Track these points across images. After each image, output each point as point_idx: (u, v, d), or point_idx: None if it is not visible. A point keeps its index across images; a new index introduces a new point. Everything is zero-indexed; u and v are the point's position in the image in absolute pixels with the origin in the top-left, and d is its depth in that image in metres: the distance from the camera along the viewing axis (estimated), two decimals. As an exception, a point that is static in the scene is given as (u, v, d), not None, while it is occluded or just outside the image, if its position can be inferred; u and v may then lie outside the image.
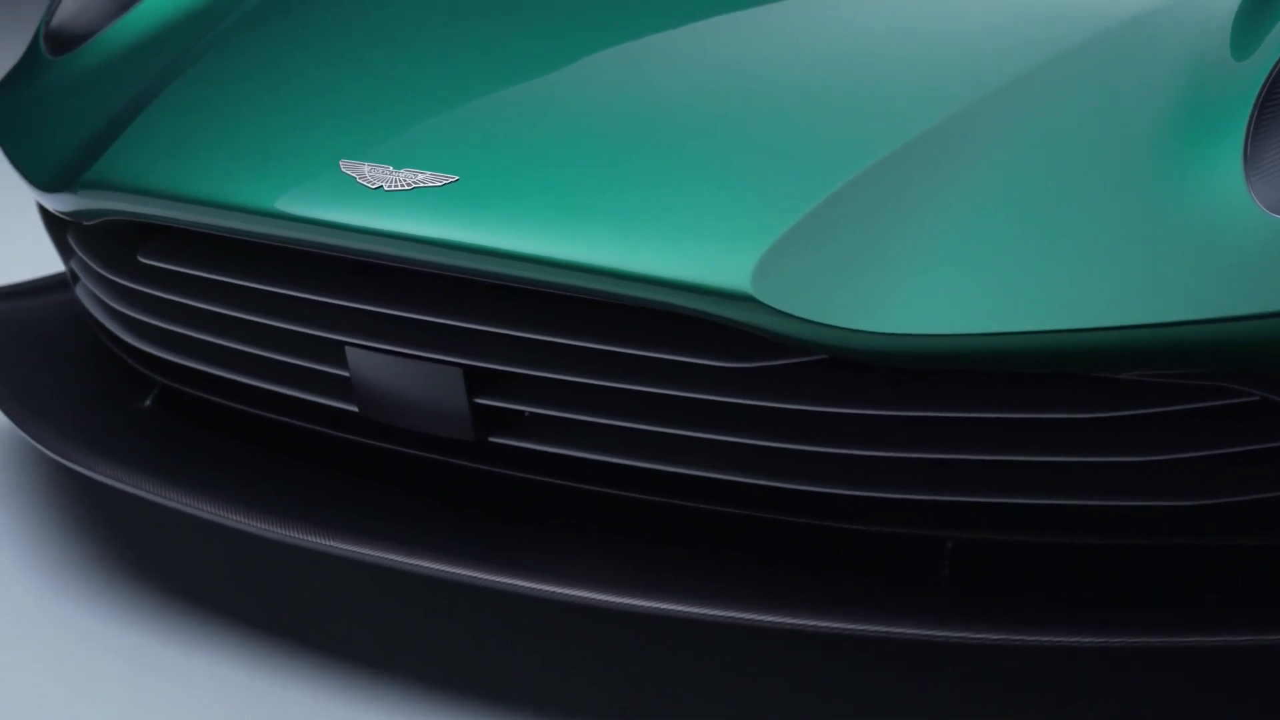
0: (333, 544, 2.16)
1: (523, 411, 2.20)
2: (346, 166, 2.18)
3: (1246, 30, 2.04)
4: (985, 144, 1.98)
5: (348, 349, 2.21)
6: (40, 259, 3.90)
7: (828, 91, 2.10)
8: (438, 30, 2.41)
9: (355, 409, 2.27)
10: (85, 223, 2.45)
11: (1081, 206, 1.90)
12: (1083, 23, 2.12)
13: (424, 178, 2.13)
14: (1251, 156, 1.88)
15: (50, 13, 2.89)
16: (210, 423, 2.49)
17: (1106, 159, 1.94)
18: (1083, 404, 1.92)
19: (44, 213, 2.85)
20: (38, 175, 2.53)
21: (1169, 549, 2.02)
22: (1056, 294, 1.84)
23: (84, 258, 2.54)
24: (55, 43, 2.82)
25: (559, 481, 2.21)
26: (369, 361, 2.20)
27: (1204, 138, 1.93)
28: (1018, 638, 1.92)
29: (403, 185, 2.13)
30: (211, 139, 2.33)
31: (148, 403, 2.57)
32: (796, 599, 2.00)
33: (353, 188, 2.15)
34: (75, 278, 2.74)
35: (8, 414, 2.59)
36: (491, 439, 2.18)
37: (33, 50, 2.85)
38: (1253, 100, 1.93)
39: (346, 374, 2.25)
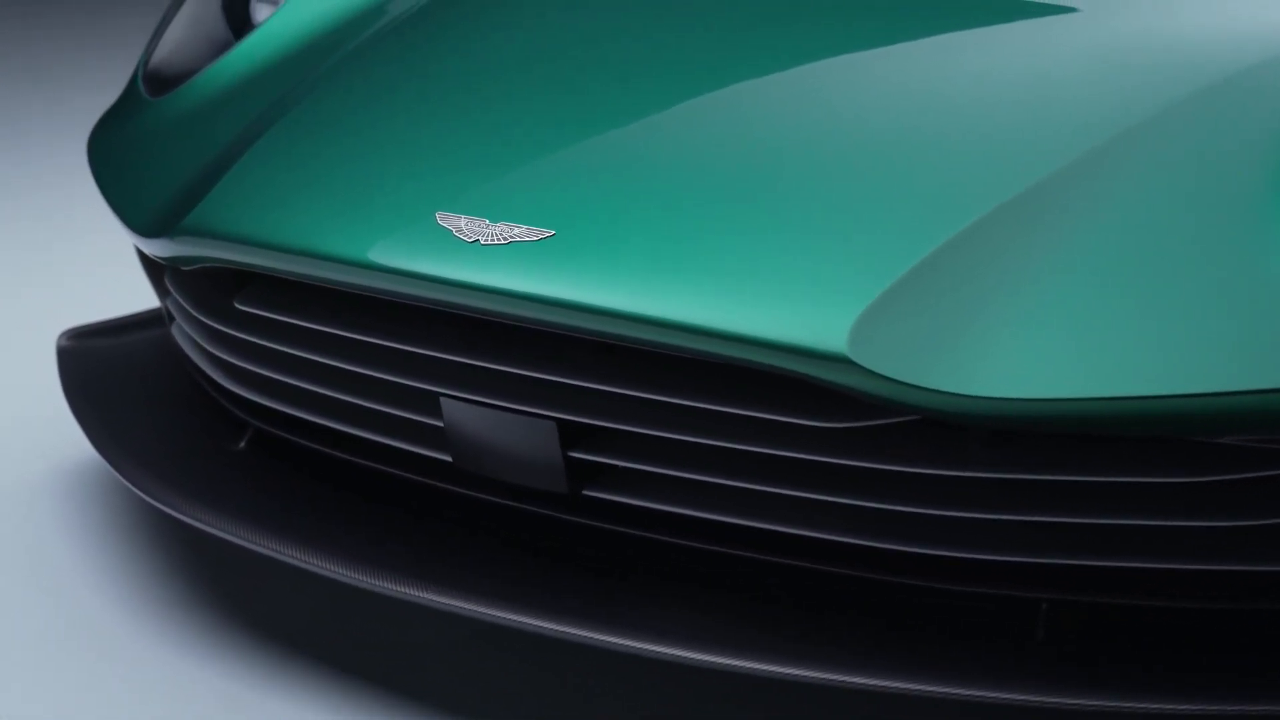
0: (423, 596, 2.16)
1: (616, 465, 2.20)
2: (443, 219, 2.19)
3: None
4: (1083, 205, 1.97)
5: (442, 400, 2.22)
6: (136, 291, 3.93)
7: (925, 150, 2.09)
8: (534, 82, 2.42)
9: (449, 459, 2.28)
10: (182, 268, 2.46)
11: (1181, 269, 1.88)
12: (1182, 81, 2.10)
13: (520, 232, 2.13)
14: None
15: (149, 52, 2.91)
16: (304, 467, 2.50)
17: (1206, 221, 1.92)
18: (1180, 468, 1.90)
19: (140, 252, 2.87)
20: (135, 219, 2.55)
21: (1272, 614, 2.00)
22: (1155, 358, 1.83)
23: (180, 301, 2.55)
24: (154, 83, 2.84)
25: (651, 535, 2.21)
26: (463, 413, 2.21)
27: (1306, 198, 1.91)
28: (1113, 704, 1.90)
29: (499, 239, 2.13)
30: (308, 188, 2.34)
31: (242, 445, 2.58)
32: (887, 660, 1.99)
33: (449, 241, 2.16)
34: (171, 316, 2.76)
35: (103, 455, 2.60)
36: (584, 492, 2.19)
37: (131, 89, 2.87)
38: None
39: (441, 424, 2.26)
